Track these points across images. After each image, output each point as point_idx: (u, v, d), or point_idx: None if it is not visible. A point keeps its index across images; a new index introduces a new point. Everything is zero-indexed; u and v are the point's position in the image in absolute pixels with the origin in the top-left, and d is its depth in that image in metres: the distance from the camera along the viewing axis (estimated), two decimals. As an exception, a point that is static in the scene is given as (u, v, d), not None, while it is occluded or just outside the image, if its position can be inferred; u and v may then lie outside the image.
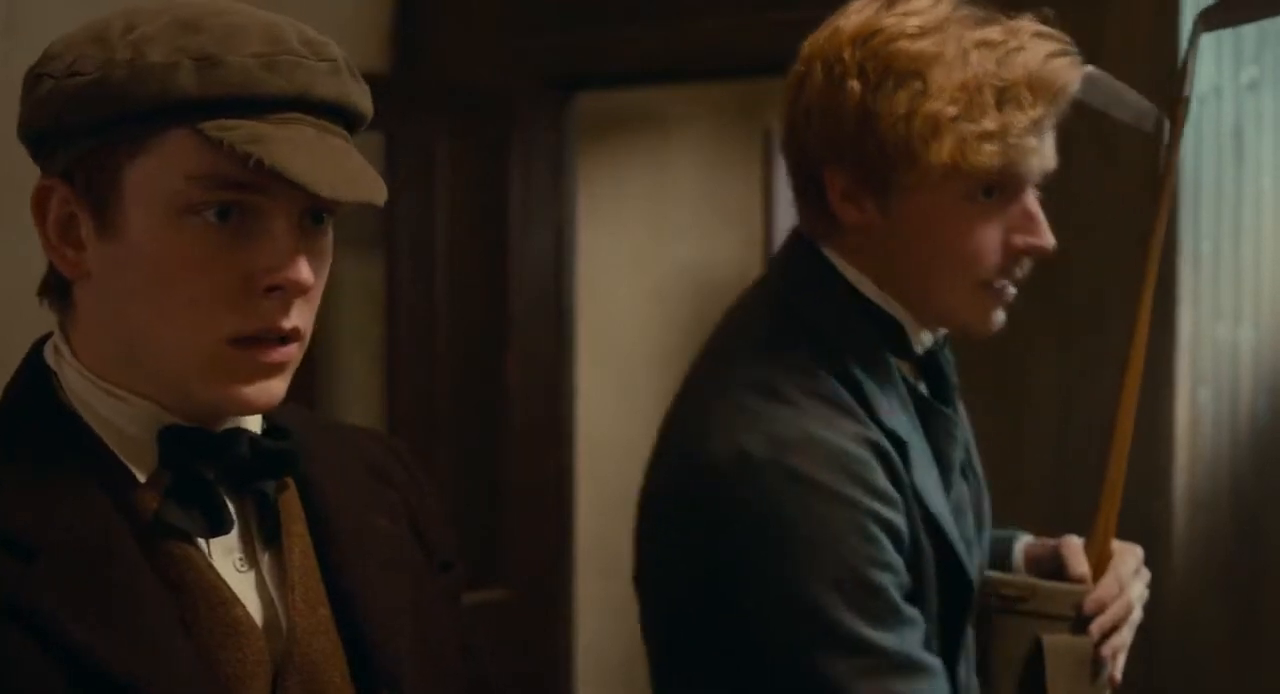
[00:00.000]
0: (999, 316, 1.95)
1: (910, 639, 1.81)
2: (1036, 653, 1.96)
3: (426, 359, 4.41)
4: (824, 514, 1.78)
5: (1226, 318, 3.86)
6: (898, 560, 1.81)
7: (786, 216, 6.79)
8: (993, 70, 1.80)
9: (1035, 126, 1.82)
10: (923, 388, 1.97)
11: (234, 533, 1.48)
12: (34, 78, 1.47)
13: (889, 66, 1.81)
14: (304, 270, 1.43)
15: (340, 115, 1.48)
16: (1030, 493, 3.74)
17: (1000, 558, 2.16)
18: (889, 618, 1.79)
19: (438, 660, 1.61)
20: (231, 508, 1.48)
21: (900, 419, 1.88)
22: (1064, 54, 1.86)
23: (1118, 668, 2.03)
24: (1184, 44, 3.71)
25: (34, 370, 1.53)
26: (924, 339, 1.96)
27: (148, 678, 1.36)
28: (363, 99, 1.50)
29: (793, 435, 1.80)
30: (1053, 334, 3.81)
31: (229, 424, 1.49)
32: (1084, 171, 3.65)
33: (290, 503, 1.53)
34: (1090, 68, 1.96)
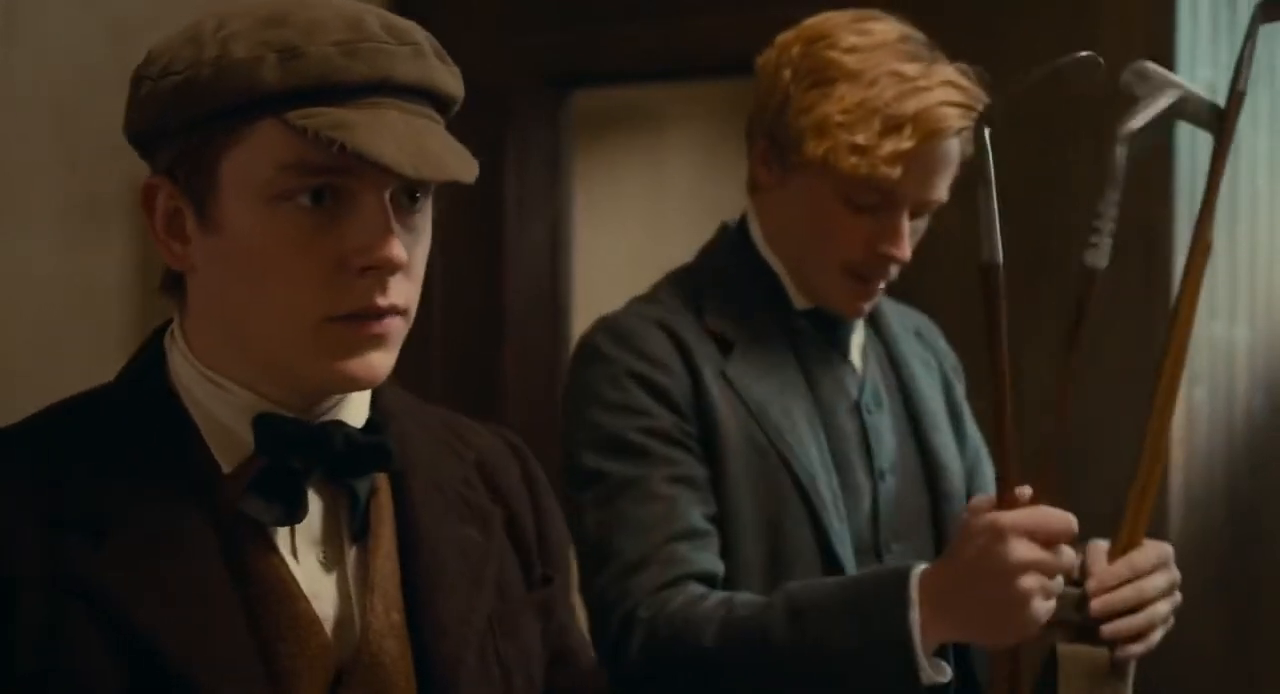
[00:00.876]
0: (864, 305, 2.19)
1: (653, 473, 2.05)
2: (1052, 661, 1.94)
3: (422, 356, 4.39)
4: (591, 374, 2.17)
5: (1222, 317, 3.85)
6: (653, 408, 2.10)
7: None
8: (889, 99, 2.06)
9: (903, 157, 2.05)
10: (809, 331, 2.22)
11: (320, 528, 1.51)
12: (135, 81, 1.54)
13: (814, 69, 2.11)
14: (396, 249, 1.48)
15: (427, 97, 1.54)
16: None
17: None
18: (625, 452, 2.09)
19: (507, 681, 1.61)
20: (319, 502, 1.51)
21: (737, 326, 2.16)
22: (960, 106, 2.09)
23: (1128, 660, 1.99)
24: (1181, 40, 3.72)
25: (150, 352, 1.60)
26: (803, 300, 2.22)
27: (202, 666, 1.39)
28: (449, 80, 1.57)
29: (610, 322, 2.20)
30: (1050, 334, 3.81)
31: (328, 416, 1.52)
32: (1082, 171, 3.65)
33: (382, 503, 1.56)
34: (1142, 62, 2.07)
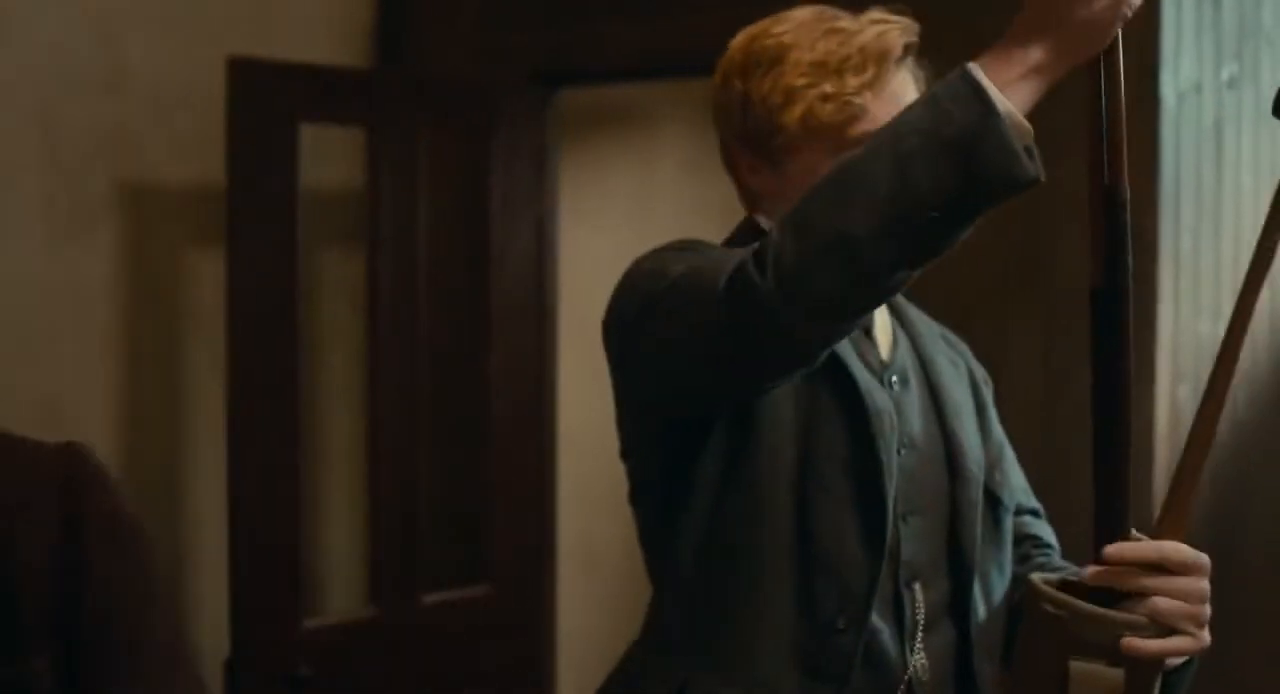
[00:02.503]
0: None
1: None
2: (1063, 678, 1.84)
3: (408, 355, 4.40)
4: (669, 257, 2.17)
5: (1207, 315, 3.86)
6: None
7: (769, 213, 6.80)
8: (835, 48, 2.21)
9: (869, 85, 2.19)
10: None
11: None
12: None
13: (759, 58, 2.26)
14: None
15: None
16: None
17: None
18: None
19: None
20: None
21: None
22: (893, 28, 2.24)
23: (1135, 660, 1.87)
24: (1165, 38, 3.72)
25: None
26: None
27: None
28: None
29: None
30: (1036, 334, 3.82)
31: None
32: (1073, 169, 3.66)
33: None
34: None
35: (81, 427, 4.08)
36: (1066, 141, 3.25)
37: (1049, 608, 1.87)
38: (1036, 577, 1.96)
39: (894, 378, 2.25)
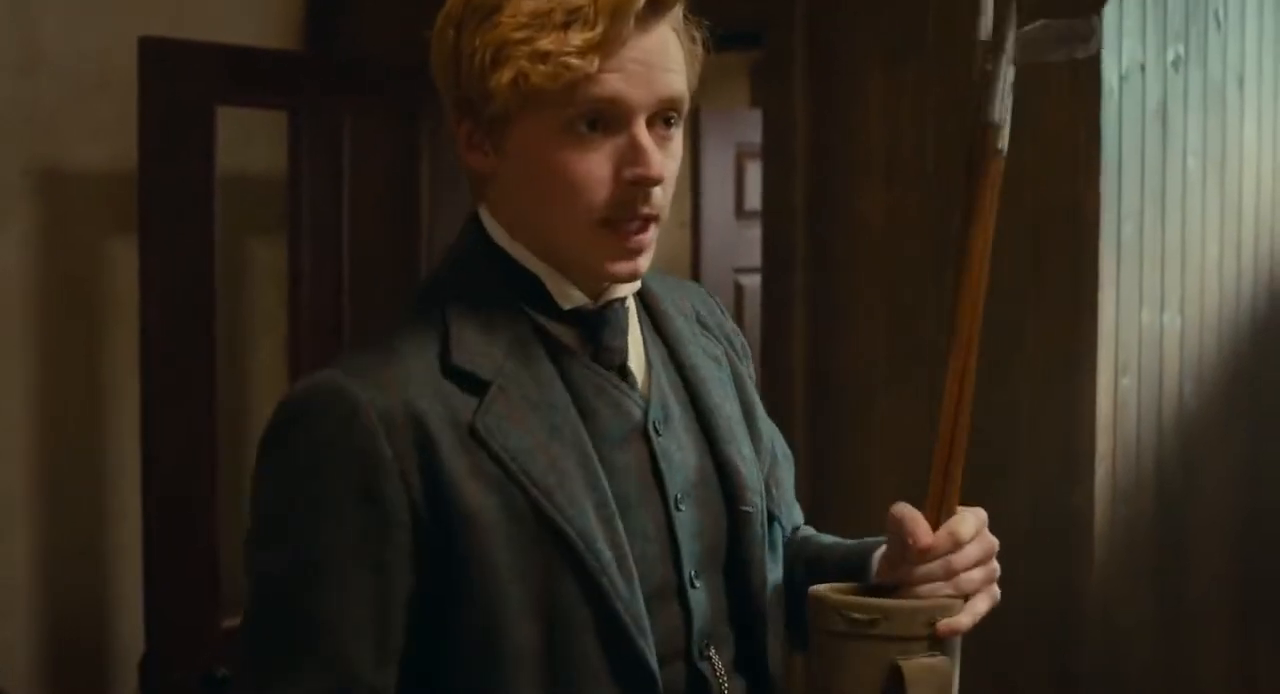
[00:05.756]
0: (629, 265, 1.86)
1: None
2: (894, 681, 1.81)
3: (332, 345, 4.29)
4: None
5: (1150, 304, 3.78)
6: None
7: (715, 197, 6.71)
8: None
9: (597, 46, 1.77)
10: (578, 346, 1.90)
11: None
12: None
13: (476, 7, 1.82)
14: None
15: None
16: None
17: (856, 570, 2.01)
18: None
19: None
20: None
21: (489, 355, 1.83)
22: None
23: (950, 636, 1.85)
24: (1108, 13, 3.63)
25: None
26: (575, 296, 1.90)
27: None
28: None
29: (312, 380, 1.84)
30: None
31: None
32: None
33: None
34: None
35: (-6, 419, 3.99)
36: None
37: (858, 616, 1.84)
38: (821, 591, 1.88)
39: (656, 419, 1.93)
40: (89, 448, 4.35)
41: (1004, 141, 1.87)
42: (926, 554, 1.85)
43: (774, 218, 4.11)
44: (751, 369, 2.17)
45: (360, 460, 1.74)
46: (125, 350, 4.24)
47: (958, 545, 1.86)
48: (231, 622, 4.14)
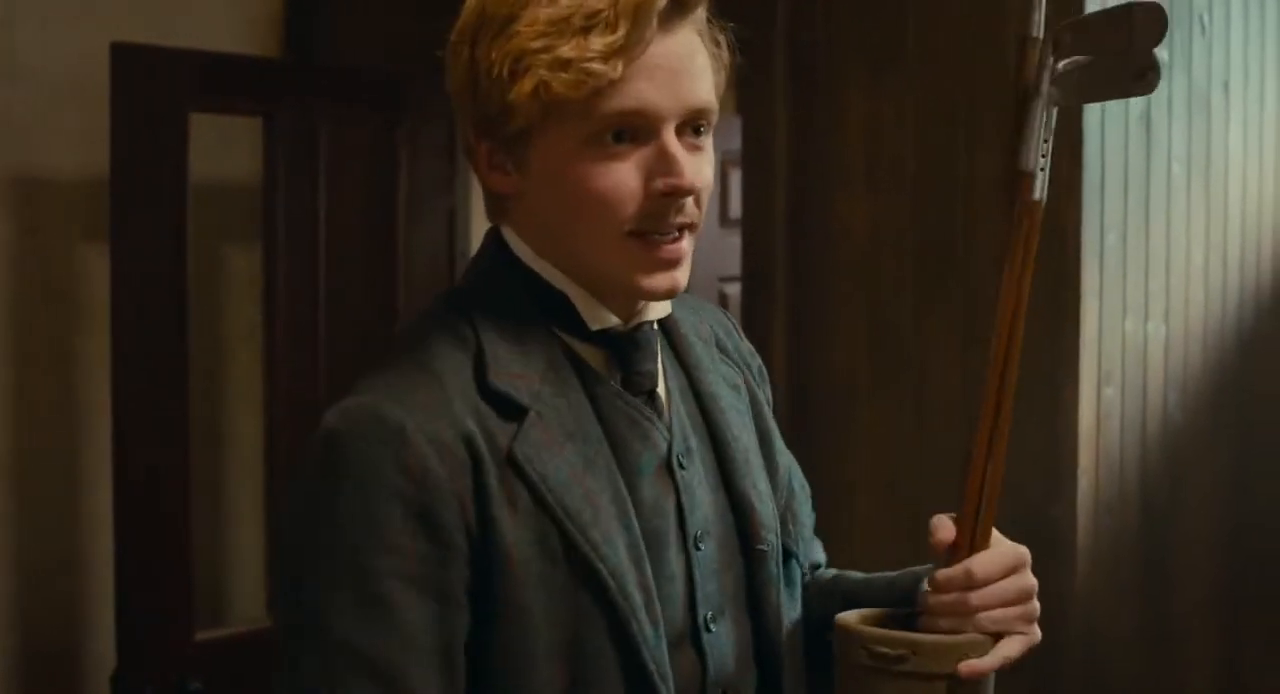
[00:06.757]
0: (666, 278, 1.79)
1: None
2: None
3: (308, 354, 4.25)
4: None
5: (1134, 312, 3.74)
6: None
7: (695, 207, 6.67)
8: (581, 1, 1.72)
9: (620, 50, 1.70)
10: (606, 371, 1.84)
11: None
12: None
13: (490, 19, 1.75)
14: None
15: None
16: (934, 503, 3.61)
17: (903, 598, 1.95)
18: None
19: None
20: None
21: (526, 377, 1.76)
22: None
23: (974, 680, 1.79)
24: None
25: None
26: (605, 317, 1.82)
27: None
28: None
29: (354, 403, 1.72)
30: (957, 334, 3.70)
31: None
32: (989, 165, 3.54)
33: None
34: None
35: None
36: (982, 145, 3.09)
37: (885, 650, 1.78)
38: (848, 621, 1.84)
39: (680, 452, 1.87)
40: (62, 459, 4.31)
41: (1041, 191, 1.79)
42: (943, 584, 1.81)
43: (754, 227, 4.08)
44: (769, 392, 2.11)
45: (413, 484, 1.65)
46: (99, 359, 4.20)
47: (973, 581, 1.81)
48: (205, 634, 4.11)
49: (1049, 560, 3.58)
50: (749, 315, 4.08)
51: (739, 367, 2.04)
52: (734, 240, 4.45)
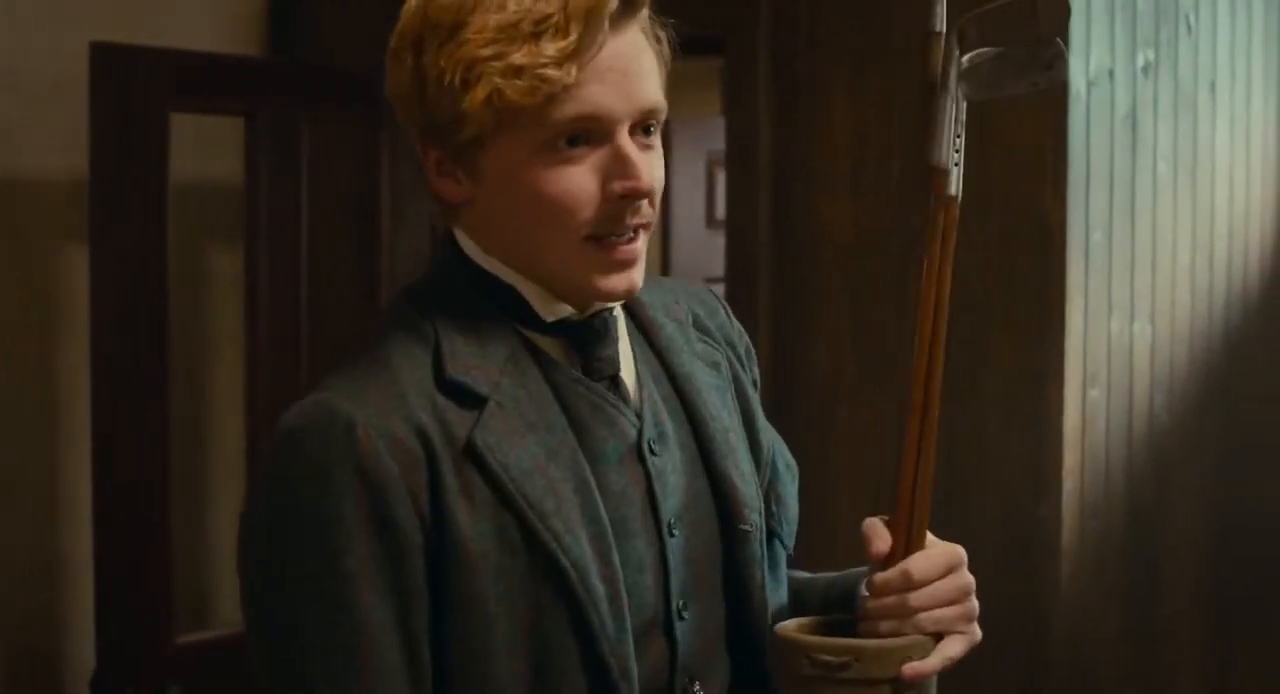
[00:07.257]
0: (623, 279, 1.78)
1: None
2: None
3: (290, 355, 4.23)
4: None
5: (1120, 313, 3.73)
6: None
7: (682, 207, 6.65)
8: (531, 6, 1.69)
9: (573, 54, 1.69)
10: (567, 360, 1.82)
11: None
12: None
13: (435, 25, 1.71)
14: None
15: None
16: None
17: (839, 602, 1.94)
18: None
19: None
20: None
21: (484, 369, 1.74)
22: None
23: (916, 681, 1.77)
24: (1075, 18, 3.58)
25: None
26: (559, 309, 1.80)
27: None
28: None
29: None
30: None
31: None
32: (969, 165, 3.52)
33: None
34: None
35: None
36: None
37: (828, 658, 1.75)
38: (787, 631, 1.81)
39: (651, 438, 1.84)
40: (41, 461, 4.29)
41: (955, 187, 1.76)
42: (881, 588, 1.78)
43: (738, 228, 4.07)
44: (756, 372, 2.09)
45: (364, 480, 1.63)
46: (80, 361, 4.18)
47: (912, 582, 1.78)
48: (186, 638, 4.09)
49: (1035, 562, 3.57)
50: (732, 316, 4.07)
51: (720, 345, 2.01)
52: (718, 241, 4.45)
